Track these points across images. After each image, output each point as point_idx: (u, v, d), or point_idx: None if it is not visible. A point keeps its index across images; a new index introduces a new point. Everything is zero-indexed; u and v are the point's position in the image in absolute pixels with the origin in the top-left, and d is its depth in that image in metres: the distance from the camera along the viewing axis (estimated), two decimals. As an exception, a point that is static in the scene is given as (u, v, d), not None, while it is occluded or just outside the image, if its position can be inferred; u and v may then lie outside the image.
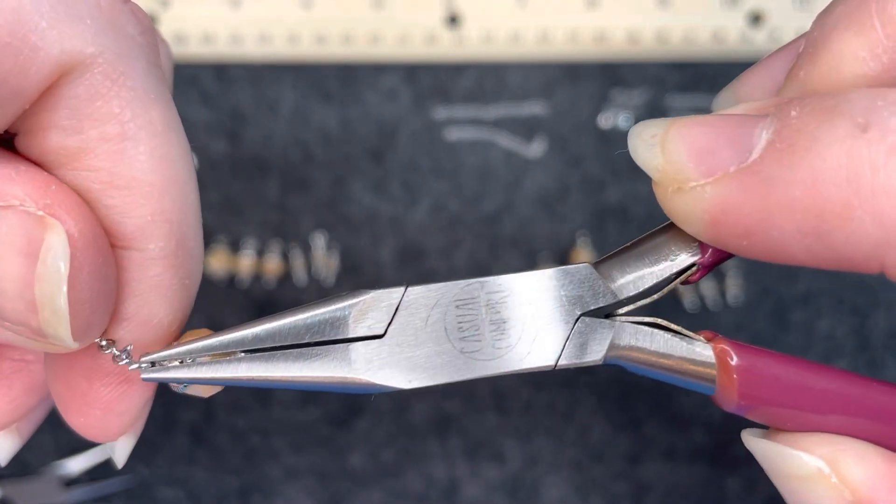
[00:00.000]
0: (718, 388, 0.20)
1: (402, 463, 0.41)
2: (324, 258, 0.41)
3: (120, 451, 0.24)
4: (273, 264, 0.41)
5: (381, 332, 0.20)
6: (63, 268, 0.18)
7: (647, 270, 0.20)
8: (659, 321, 0.20)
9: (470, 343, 0.20)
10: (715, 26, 0.41)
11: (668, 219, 0.20)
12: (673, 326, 0.20)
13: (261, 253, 0.41)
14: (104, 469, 0.41)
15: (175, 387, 0.21)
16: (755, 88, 0.21)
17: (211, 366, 0.20)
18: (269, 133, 0.42)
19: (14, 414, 0.24)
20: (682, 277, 0.20)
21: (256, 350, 0.20)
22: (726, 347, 0.20)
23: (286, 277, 0.41)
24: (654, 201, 0.44)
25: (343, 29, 0.41)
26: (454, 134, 0.42)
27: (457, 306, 0.20)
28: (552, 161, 0.42)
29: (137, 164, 0.19)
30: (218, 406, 0.41)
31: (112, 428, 0.22)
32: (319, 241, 0.41)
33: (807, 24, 0.41)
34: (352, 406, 0.41)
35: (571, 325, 0.20)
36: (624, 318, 0.20)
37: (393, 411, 0.41)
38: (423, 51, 0.41)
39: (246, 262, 0.41)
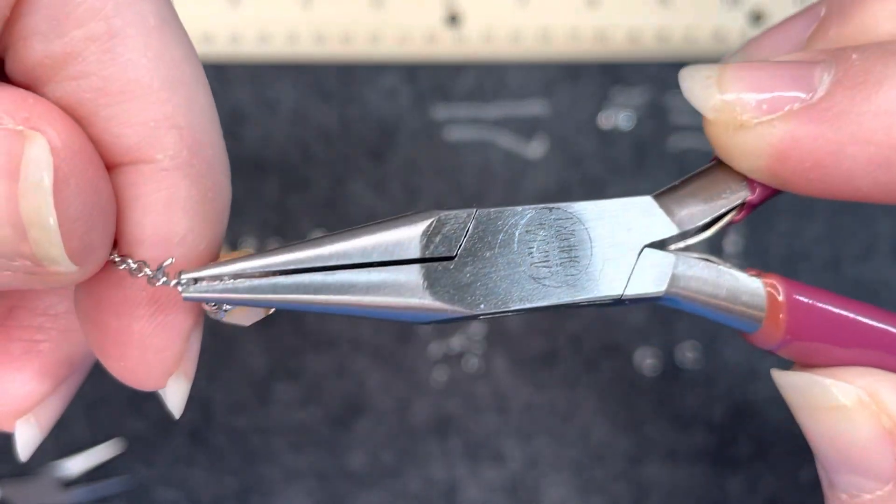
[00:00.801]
0: (765, 323, 0.20)
1: (401, 463, 0.41)
2: (323, 258, 0.41)
3: (172, 396, 0.22)
4: (273, 264, 0.41)
5: (451, 254, 0.19)
6: (47, 179, 0.16)
7: (702, 207, 0.20)
8: (710, 258, 0.20)
9: (540, 269, 0.19)
10: (715, 25, 0.41)
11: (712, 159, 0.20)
12: (723, 263, 0.20)
13: (260, 253, 0.41)
14: (103, 470, 0.41)
15: (214, 312, 0.19)
16: (771, 49, 0.22)
17: (261, 282, 0.18)
18: (268, 133, 0.42)
19: (29, 400, 0.22)
20: (731, 216, 0.20)
21: (314, 269, 0.18)
22: (776, 281, 0.20)
23: (286, 277, 0.41)
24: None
25: (343, 28, 0.41)
26: (454, 134, 0.42)
27: (527, 231, 0.19)
28: (552, 161, 0.41)
29: (130, 63, 0.17)
30: (217, 406, 0.41)
31: (155, 369, 0.20)
32: (319, 241, 0.41)
33: (808, 23, 0.41)
34: (352, 406, 0.41)
35: (636, 256, 0.20)
36: (680, 251, 0.20)
37: (393, 411, 0.41)
38: (423, 50, 0.41)
39: (245, 263, 0.41)
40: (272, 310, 0.20)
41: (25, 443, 0.22)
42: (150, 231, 0.19)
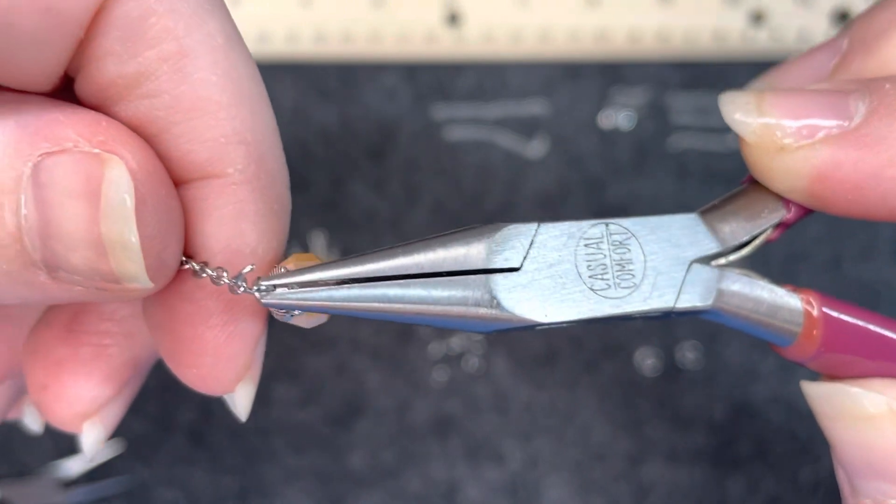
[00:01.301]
0: (800, 337, 0.21)
1: (402, 464, 0.41)
2: (324, 258, 0.41)
3: (240, 400, 0.22)
4: (272, 264, 0.41)
5: (517, 265, 0.20)
6: (129, 201, 0.17)
7: (742, 225, 0.21)
8: (750, 273, 0.21)
9: (598, 281, 0.20)
10: (716, 25, 0.41)
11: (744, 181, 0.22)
12: (762, 278, 0.21)
13: (260, 253, 0.41)
14: (103, 470, 0.41)
15: (280, 315, 0.20)
16: (795, 79, 0.23)
17: (337, 291, 0.19)
18: (268, 133, 0.42)
19: (96, 402, 0.23)
20: (767, 234, 0.22)
21: (387, 278, 0.19)
22: (812, 297, 0.21)
23: (286, 277, 0.41)
24: (654, 201, 0.44)
25: (343, 28, 0.41)
26: (454, 134, 0.42)
27: (585, 245, 0.20)
28: (552, 161, 0.41)
29: (200, 82, 0.18)
30: (217, 406, 0.41)
31: (227, 375, 0.21)
32: (319, 241, 0.41)
33: (807, 22, 0.41)
34: (352, 406, 0.41)
35: (685, 271, 0.21)
36: (724, 266, 0.21)
37: (393, 411, 0.41)
38: (423, 50, 0.41)
39: (245, 262, 0.41)
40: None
41: (92, 444, 0.23)
42: (224, 243, 0.19)
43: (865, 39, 0.21)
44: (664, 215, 0.21)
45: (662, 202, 0.41)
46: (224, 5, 0.20)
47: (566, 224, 0.20)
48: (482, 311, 0.19)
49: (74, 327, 0.23)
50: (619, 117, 0.42)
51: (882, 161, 0.19)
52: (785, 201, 0.21)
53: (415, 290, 0.19)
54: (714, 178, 0.41)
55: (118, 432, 0.41)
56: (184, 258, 0.19)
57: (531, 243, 0.20)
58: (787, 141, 0.20)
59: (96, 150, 0.17)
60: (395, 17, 0.41)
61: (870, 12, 0.22)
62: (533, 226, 0.20)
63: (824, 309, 0.21)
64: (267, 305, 0.19)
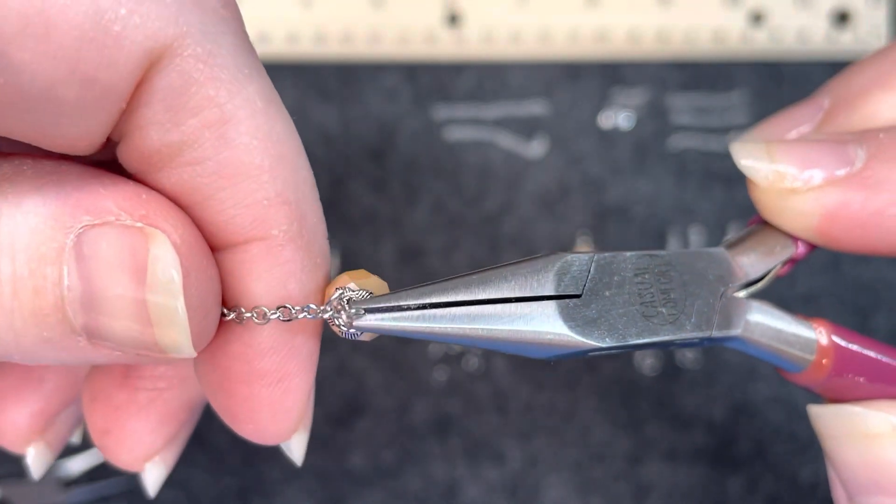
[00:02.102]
0: (812, 364, 0.23)
1: (402, 463, 0.41)
2: (323, 258, 0.41)
3: (296, 448, 0.23)
4: (273, 264, 0.41)
5: (579, 291, 0.21)
6: (176, 276, 0.17)
7: (759, 260, 0.23)
8: (766, 303, 0.23)
9: (648, 308, 0.22)
10: (715, 26, 0.41)
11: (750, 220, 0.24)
12: (776, 308, 0.23)
13: (260, 253, 0.41)
14: (103, 470, 0.41)
15: (340, 332, 0.21)
16: (783, 132, 0.25)
17: (415, 317, 0.20)
18: (268, 133, 0.42)
19: (155, 445, 0.24)
20: (777, 270, 0.23)
21: (463, 303, 0.20)
22: (823, 327, 0.23)
23: (286, 277, 0.41)
24: (654, 201, 0.44)
25: (343, 28, 0.41)
26: (454, 134, 0.42)
27: (635, 274, 0.22)
28: (552, 161, 0.41)
29: (242, 147, 0.18)
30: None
31: (284, 427, 0.22)
32: (319, 241, 0.41)
33: (807, 23, 0.41)
34: (352, 406, 0.41)
35: (718, 300, 0.22)
36: (748, 297, 0.23)
37: (393, 411, 0.41)
38: (423, 50, 0.41)
39: (245, 262, 0.41)
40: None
41: (154, 483, 0.24)
42: (273, 304, 0.20)
43: (847, 97, 0.24)
44: (700, 249, 0.23)
45: (662, 202, 0.41)
46: (261, 67, 0.20)
47: (619, 254, 0.22)
48: (550, 336, 0.21)
49: (131, 373, 0.23)
50: (618, 117, 0.42)
51: (884, 201, 0.21)
52: (794, 239, 0.23)
53: (488, 315, 0.20)
54: (713, 178, 0.41)
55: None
56: (244, 311, 0.20)
57: (589, 272, 0.21)
58: (797, 184, 0.22)
59: (139, 224, 0.17)
60: (395, 17, 0.41)
61: (848, 73, 0.24)
62: (589, 255, 0.22)
63: (834, 338, 0.22)
64: (358, 328, 0.20)
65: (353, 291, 0.21)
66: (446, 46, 0.41)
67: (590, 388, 0.41)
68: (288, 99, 0.42)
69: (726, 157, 0.42)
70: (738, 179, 0.42)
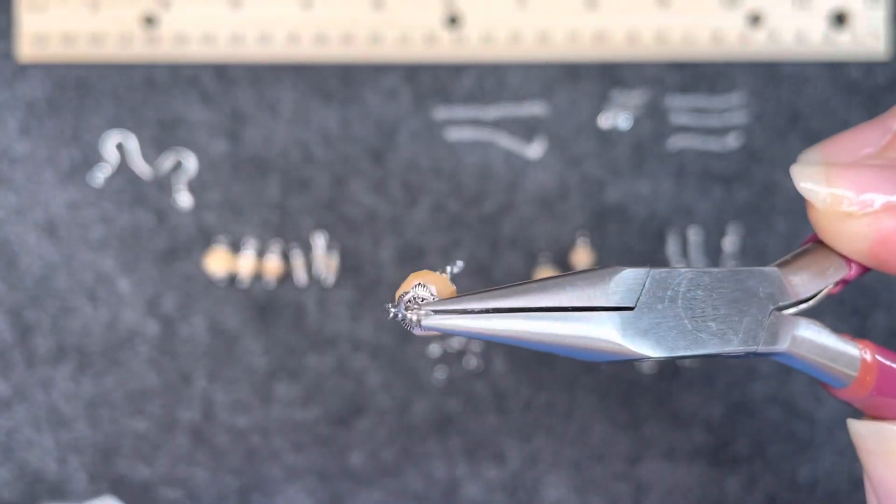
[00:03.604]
0: (855, 381, 0.24)
1: (402, 463, 0.41)
2: (324, 258, 0.41)
3: None
4: (273, 264, 0.41)
5: (632, 304, 0.22)
6: None
7: (812, 280, 0.24)
8: (816, 322, 0.24)
9: (698, 322, 0.23)
10: (714, 26, 0.41)
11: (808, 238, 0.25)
12: (825, 327, 0.24)
13: (261, 253, 0.41)
14: None
15: (411, 329, 0.23)
16: (843, 153, 0.25)
17: (485, 319, 0.22)
18: (269, 133, 0.42)
19: None
20: (829, 288, 0.24)
21: (526, 309, 0.22)
22: (868, 347, 0.24)
23: (286, 277, 0.41)
24: (653, 201, 0.44)
25: (343, 29, 0.41)
26: (454, 134, 0.42)
27: (688, 290, 0.23)
28: (552, 161, 0.42)
29: None
30: (218, 406, 0.41)
31: None
32: (319, 242, 0.41)
33: (805, 24, 0.42)
34: (352, 406, 0.41)
35: (767, 317, 0.23)
36: (797, 317, 0.24)
37: (393, 411, 0.41)
38: (423, 51, 0.41)
39: (246, 263, 0.41)
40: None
41: None
42: None
43: None
44: (752, 267, 0.24)
45: (661, 202, 0.41)
46: None
47: (674, 271, 0.23)
48: (603, 343, 0.22)
49: None
50: (617, 118, 0.42)
51: None
52: (847, 261, 0.24)
53: (547, 323, 0.22)
54: (712, 179, 0.42)
55: (118, 432, 0.41)
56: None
57: (644, 286, 0.23)
58: (853, 209, 0.22)
59: None
60: (396, 18, 0.41)
61: None
62: (645, 270, 0.23)
63: (878, 357, 0.23)
64: (426, 328, 0.22)
65: (424, 291, 0.23)
66: (446, 47, 0.41)
67: (589, 388, 0.41)
68: (288, 99, 0.42)
69: (725, 158, 0.42)
70: (736, 180, 0.42)
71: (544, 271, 0.41)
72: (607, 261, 0.41)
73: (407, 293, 0.22)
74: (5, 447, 0.42)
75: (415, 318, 0.22)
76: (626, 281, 0.23)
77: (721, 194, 0.42)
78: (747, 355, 0.23)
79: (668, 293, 0.23)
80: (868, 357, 0.23)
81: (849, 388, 0.24)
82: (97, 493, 0.41)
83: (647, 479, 0.41)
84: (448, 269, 0.24)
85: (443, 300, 0.22)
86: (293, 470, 0.41)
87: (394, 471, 0.41)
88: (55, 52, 0.41)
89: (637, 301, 0.23)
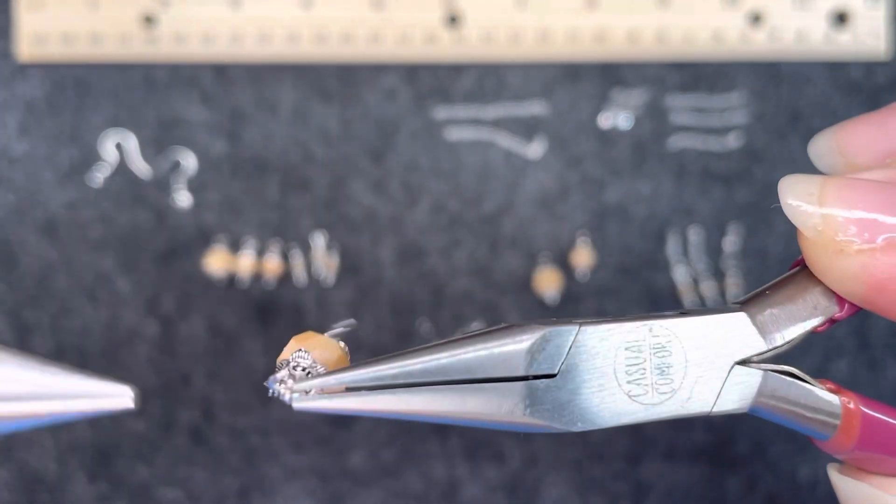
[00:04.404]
0: (837, 436, 0.21)
1: (402, 463, 0.41)
2: (324, 258, 0.41)
3: None
4: (273, 264, 0.41)
5: (553, 371, 0.19)
6: None
7: (795, 325, 0.21)
8: (790, 369, 0.21)
9: (635, 387, 0.20)
10: (715, 26, 0.41)
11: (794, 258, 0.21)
12: (803, 376, 0.21)
13: (261, 253, 0.41)
14: None
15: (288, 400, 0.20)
16: (864, 147, 0.20)
17: (368, 396, 0.19)
18: (268, 133, 0.42)
19: None
20: (814, 328, 0.21)
21: (420, 384, 0.19)
22: (851, 399, 0.21)
23: (286, 277, 0.41)
24: (654, 201, 0.44)
25: (343, 29, 0.41)
26: (454, 134, 0.42)
27: (626, 348, 0.20)
28: (552, 161, 0.42)
29: None
30: (218, 406, 0.41)
31: None
32: (319, 241, 0.41)
33: (806, 23, 0.42)
34: (352, 406, 0.41)
35: (726, 373, 0.20)
36: (765, 367, 0.21)
37: (393, 411, 0.41)
38: (423, 51, 0.41)
39: (246, 263, 0.41)
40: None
41: None
42: None
43: None
44: (711, 315, 0.20)
45: (661, 202, 0.41)
46: None
47: (607, 326, 0.20)
48: (515, 419, 0.19)
49: None
50: (618, 118, 0.42)
51: None
52: (839, 298, 0.20)
53: (447, 399, 0.19)
54: (712, 179, 0.42)
55: (118, 432, 0.41)
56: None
57: (570, 348, 0.20)
58: (845, 242, 0.18)
59: None
60: (395, 18, 0.41)
61: None
62: (573, 328, 0.20)
63: (862, 408, 0.21)
64: (299, 409, 0.19)
65: (304, 359, 0.20)
66: (446, 47, 0.41)
67: (589, 388, 0.41)
68: (288, 99, 0.42)
69: (725, 158, 0.42)
70: (737, 180, 0.42)
71: (544, 271, 0.41)
72: (607, 261, 0.41)
73: (284, 365, 0.19)
74: (5, 447, 0.42)
75: (286, 398, 0.19)
76: (547, 343, 0.19)
77: (721, 194, 0.41)
78: (711, 416, 0.20)
79: (601, 354, 0.20)
80: (853, 410, 0.20)
81: (831, 440, 0.21)
82: (97, 493, 0.41)
83: (647, 479, 0.41)
84: (336, 328, 0.20)
85: (321, 376, 0.19)
86: (293, 470, 0.41)
87: (394, 471, 0.41)
88: (54, 51, 0.41)
89: (560, 366, 0.19)
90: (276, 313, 0.41)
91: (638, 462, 0.41)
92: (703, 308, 0.21)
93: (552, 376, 0.19)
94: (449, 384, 0.19)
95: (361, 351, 0.41)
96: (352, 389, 0.19)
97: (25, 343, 0.42)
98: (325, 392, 0.19)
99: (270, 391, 0.19)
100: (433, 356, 0.19)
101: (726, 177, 0.41)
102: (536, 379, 0.19)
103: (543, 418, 0.19)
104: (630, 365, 0.20)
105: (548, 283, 0.41)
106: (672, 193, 0.41)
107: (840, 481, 0.22)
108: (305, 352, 0.20)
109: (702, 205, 0.41)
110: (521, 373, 0.19)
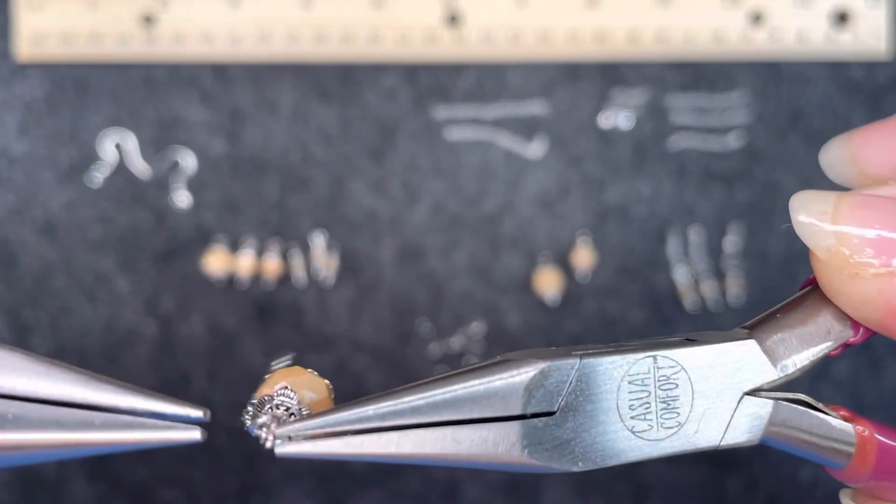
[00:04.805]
0: (851, 465, 0.20)
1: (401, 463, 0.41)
2: (323, 258, 0.41)
3: None
4: (272, 264, 0.41)
5: (552, 408, 0.18)
6: None
7: (807, 351, 0.20)
8: (802, 397, 0.20)
9: (640, 422, 0.19)
10: (715, 26, 0.41)
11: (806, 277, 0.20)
12: (816, 404, 0.20)
13: (260, 253, 0.41)
14: None
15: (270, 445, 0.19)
16: (878, 156, 0.19)
17: (355, 439, 0.18)
18: (268, 133, 0.42)
19: None
20: (827, 353, 0.20)
21: (411, 426, 0.18)
22: (867, 428, 0.20)
23: (286, 278, 0.41)
24: (654, 201, 0.44)
25: (343, 28, 0.41)
26: (454, 134, 0.42)
27: (629, 382, 0.19)
28: (552, 161, 0.41)
29: None
30: (217, 406, 0.41)
31: None
32: (319, 241, 0.41)
33: (806, 23, 0.41)
34: (352, 406, 0.41)
35: (735, 405, 0.19)
36: (776, 396, 0.20)
37: (393, 411, 0.41)
38: (423, 50, 0.41)
39: (245, 263, 0.41)
40: None
41: None
42: None
43: None
44: (720, 343, 0.19)
45: (662, 202, 0.41)
46: None
47: (611, 359, 0.19)
48: (512, 460, 0.18)
49: None
50: (618, 117, 0.42)
51: None
52: (853, 321, 0.19)
53: (439, 440, 0.18)
54: (713, 179, 0.41)
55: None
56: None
57: (570, 383, 0.18)
58: (862, 265, 0.17)
59: None
60: (395, 17, 0.41)
61: None
62: (574, 361, 0.18)
63: (878, 436, 0.20)
64: (281, 455, 0.18)
65: (289, 399, 0.18)
66: (446, 46, 0.41)
67: (590, 388, 0.41)
68: (288, 99, 0.42)
69: (726, 158, 0.42)
70: (738, 179, 0.42)
71: (545, 271, 0.41)
72: (608, 261, 0.41)
73: (266, 402, 0.18)
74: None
75: (268, 443, 0.18)
76: (546, 379, 0.18)
77: (722, 194, 0.41)
78: (719, 449, 0.20)
79: (603, 388, 0.18)
80: (868, 439, 0.19)
81: (846, 469, 0.20)
82: (96, 493, 0.41)
83: (648, 480, 0.41)
84: (279, 364, 0.19)
85: (306, 419, 0.18)
86: (293, 470, 0.41)
87: (394, 471, 0.41)
88: (53, 51, 0.41)
89: (560, 403, 0.18)
90: (275, 313, 0.41)
91: (638, 462, 0.41)
92: (709, 334, 0.20)
93: (551, 413, 0.18)
94: (441, 425, 0.18)
95: (362, 352, 0.41)
96: (337, 434, 0.18)
97: (25, 343, 0.42)
98: (309, 436, 0.18)
99: (252, 434, 0.18)
100: (423, 394, 0.18)
101: (727, 177, 0.41)
102: (535, 417, 0.18)
103: (542, 459, 0.18)
104: (634, 399, 0.19)
105: (548, 283, 0.41)
106: (672, 193, 0.41)
107: None
108: (292, 391, 0.19)
109: (702, 205, 0.41)
110: (518, 411, 0.18)
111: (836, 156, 0.20)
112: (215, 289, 0.41)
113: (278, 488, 0.41)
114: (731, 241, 0.41)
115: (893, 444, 0.20)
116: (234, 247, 0.41)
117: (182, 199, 0.41)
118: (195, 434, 0.18)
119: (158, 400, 0.18)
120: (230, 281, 0.41)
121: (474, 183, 0.41)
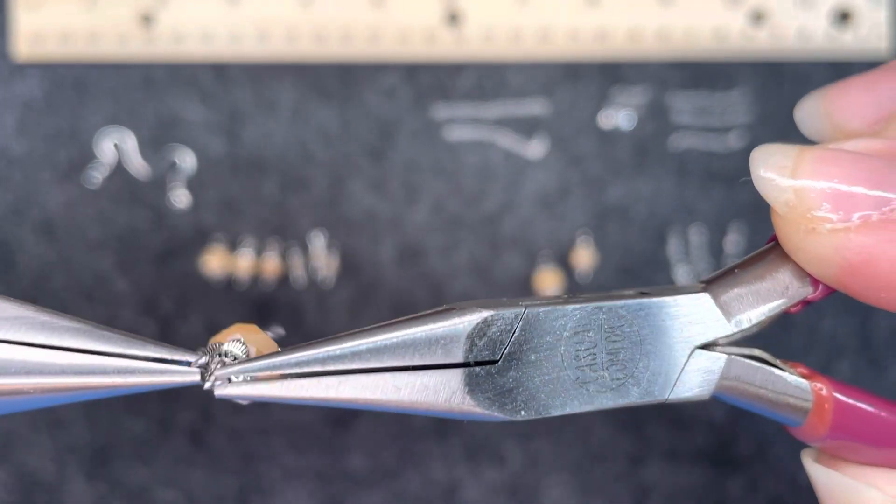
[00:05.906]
0: (809, 422, 0.20)
1: (401, 464, 0.41)
2: (323, 258, 0.41)
3: None
4: (272, 264, 0.41)
5: (495, 357, 0.18)
6: None
7: (763, 306, 0.19)
8: (758, 353, 0.20)
9: (586, 372, 0.19)
10: (716, 25, 0.41)
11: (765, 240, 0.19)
12: (772, 360, 0.20)
13: (259, 253, 0.41)
14: None
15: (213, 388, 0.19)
16: (853, 111, 0.19)
17: (292, 382, 0.18)
18: (268, 133, 0.41)
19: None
20: (784, 309, 0.20)
21: (351, 371, 0.18)
22: (824, 385, 0.20)
23: (285, 278, 0.41)
24: (655, 200, 0.44)
25: (342, 28, 0.41)
26: (454, 134, 0.42)
27: (575, 332, 0.19)
28: (552, 161, 0.41)
29: None
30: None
31: None
32: (319, 241, 0.41)
33: (807, 22, 0.41)
34: (351, 407, 0.41)
35: (686, 358, 0.19)
36: (730, 351, 0.20)
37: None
38: (423, 50, 0.41)
39: (244, 262, 0.41)
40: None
41: None
42: None
43: None
44: (671, 295, 0.19)
45: (662, 202, 0.41)
46: None
47: (557, 309, 0.18)
48: (453, 406, 0.18)
49: None
50: (619, 117, 0.42)
51: None
52: (812, 278, 0.19)
53: (379, 386, 0.18)
54: (714, 178, 0.41)
55: (118, 432, 0.41)
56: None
57: (513, 333, 0.18)
58: (818, 220, 0.16)
59: None
60: (395, 17, 0.41)
61: None
62: (518, 311, 0.18)
63: (835, 394, 0.19)
64: (220, 397, 0.18)
65: (237, 349, 0.19)
66: (446, 46, 0.41)
67: (590, 389, 0.41)
68: (287, 99, 0.41)
69: (727, 157, 0.41)
70: (738, 179, 0.41)
71: (545, 271, 0.41)
72: (608, 261, 0.41)
73: (215, 349, 0.18)
74: (3, 448, 0.42)
75: (207, 384, 0.18)
76: (489, 328, 0.18)
77: (723, 193, 0.41)
78: (668, 403, 0.19)
79: (548, 339, 0.18)
80: (825, 395, 0.19)
81: (802, 427, 0.20)
82: (95, 494, 0.41)
83: (648, 481, 0.41)
84: (268, 333, 0.20)
85: (243, 360, 0.18)
86: (292, 471, 0.41)
87: (393, 472, 0.41)
88: (52, 50, 0.41)
89: (503, 352, 0.18)
90: (275, 314, 0.41)
91: (639, 463, 0.41)
92: (664, 288, 0.20)
93: (494, 362, 0.18)
94: (382, 371, 0.18)
95: (361, 351, 0.41)
96: (277, 377, 0.18)
97: (23, 343, 0.41)
98: (250, 379, 0.18)
99: (200, 374, 0.18)
100: (365, 340, 0.18)
101: (728, 176, 0.41)
102: (478, 365, 0.18)
103: (484, 406, 0.18)
104: (580, 350, 0.19)
105: (548, 283, 0.41)
106: (673, 193, 0.41)
107: (814, 469, 0.21)
108: (242, 342, 0.19)
109: (703, 204, 0.41)
110: (460, 359, 0.18)
111: (810, 111, 0.19)
112: (214, 289, 0.41)
113: (278, 488, 0.41)
114: (732, 241, 0.41)
115: (851, 401, 0.19)
116: (234, 247, 0.41)
117: (181, 198, 0.41)
118: (194, 377, 0.18)
119: (158, 347, 0.18)
120: (229, 281, 0.41)
121: (474, 183, 0.41)
